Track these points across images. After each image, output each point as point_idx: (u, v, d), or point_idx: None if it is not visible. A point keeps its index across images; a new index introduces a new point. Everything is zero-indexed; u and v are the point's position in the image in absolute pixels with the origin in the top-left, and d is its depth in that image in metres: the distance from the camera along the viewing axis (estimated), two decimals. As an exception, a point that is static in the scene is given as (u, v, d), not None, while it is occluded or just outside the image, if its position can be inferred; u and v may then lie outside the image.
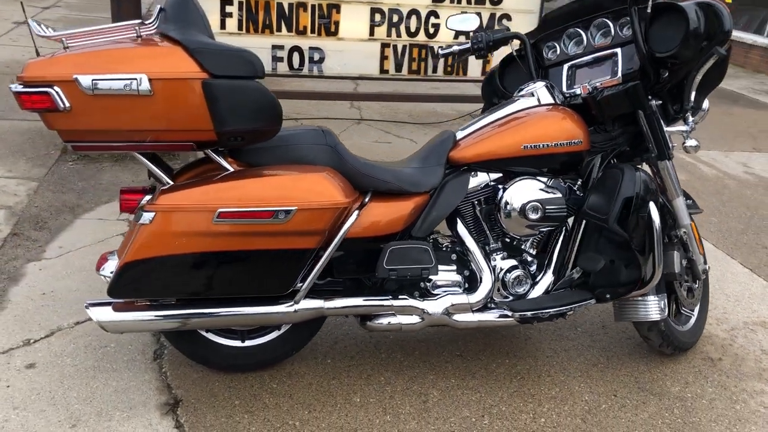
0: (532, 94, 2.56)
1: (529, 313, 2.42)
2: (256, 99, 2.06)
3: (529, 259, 2.55)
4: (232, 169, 2.21)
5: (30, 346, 2.57)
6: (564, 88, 2.63)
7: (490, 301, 2.46)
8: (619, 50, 2.54)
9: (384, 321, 2.38)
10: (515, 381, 2.59)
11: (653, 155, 2.54)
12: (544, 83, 2.58)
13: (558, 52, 2.71)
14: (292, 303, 2.24)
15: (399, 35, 4.92)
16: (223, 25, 4.65)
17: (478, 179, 2.48)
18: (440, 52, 2.83)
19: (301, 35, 4.78)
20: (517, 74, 2.83)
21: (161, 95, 1.98)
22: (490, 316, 2.45)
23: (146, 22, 2.15)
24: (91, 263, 3.12)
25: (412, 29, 4.92)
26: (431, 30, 4.94)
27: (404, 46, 4.96)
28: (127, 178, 4.22)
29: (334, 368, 2.57)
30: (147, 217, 2.03)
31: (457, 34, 4.85)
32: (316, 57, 4.86)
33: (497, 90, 2.85)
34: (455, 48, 2.79)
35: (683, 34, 2.33)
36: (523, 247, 2.55)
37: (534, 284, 2.51)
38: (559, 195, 2.45)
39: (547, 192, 2.44)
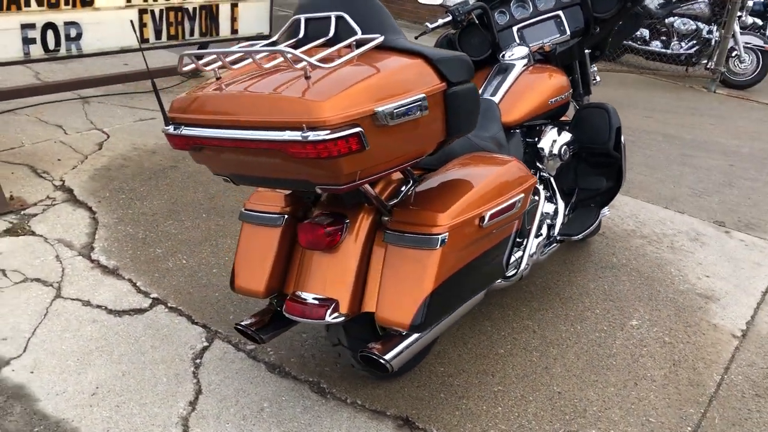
0: (523, 57, 3.02)
1: (580, 236, 3.02)
2: (476, 100, 2.11)
3: (546, 193, 3.11)
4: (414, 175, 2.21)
5: (187, 448, 2.10)
6: None
7: None
8: (561, 12, 3.17)
9: (516, 272, 2.66)
10: (554, 295, 3.18)
11: (581, 92, 3.31)
12: (527, 48, 3.06)
13: (507, 17, 3.18)
14: (513, 276, 2.40)
15: (155, -1, 4.44)
16: (-42, 5, 3.53)
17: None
18: (429, 26, 3.00)
19: (54, 9, 3.94)
20: (469, 39, 3.20)
21: (431, 113, 1.91)
22: (551, 246, 2.96)
23: (365, 36, 1.93)
24: (75, 336, 2.54)
25: (167, -9, 4.49)
26: (184, -9, 4.58)
27: (161, 11, 4.50)
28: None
29: (449, 336, 2.76)
30: (440, 239, 1.96)
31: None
32: (73, 33, 4.07)
33: None
34: (440, 22, 3.02)
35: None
36: (538, 186, 3.09)
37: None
38: (572, 136, 3.05)
39: (566, 135, 3.01)
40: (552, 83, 2.97)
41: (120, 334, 2.57)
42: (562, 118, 3.23)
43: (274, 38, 2.13)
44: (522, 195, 2.26)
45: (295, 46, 2.04)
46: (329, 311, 2.03)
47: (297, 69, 1.80)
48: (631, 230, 3.93)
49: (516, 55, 3.04)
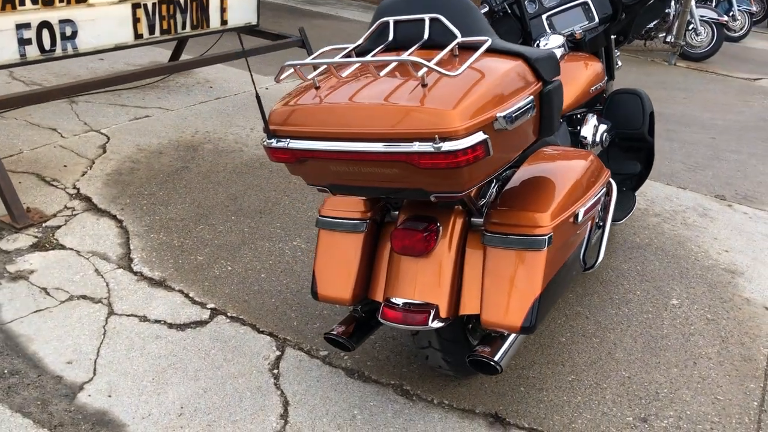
0: (560, 46, 3.04)
1: (623, 220, 3.08)
2: (562, 96, 2.11)
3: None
4: None
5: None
6: None
7: None
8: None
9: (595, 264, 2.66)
10: (593, 278, 3.25)
11: (606, 78, 3.36)
12: (562, 36, 3.07)
13: (536, 6, 3.19)
14: (591, 268, 2.42)
15: (147, -8, 4.25)
16: (-48, 8, 3.30)
17: None
18: None
19: (48, 6, 3.72)
20: (499, 29, 3.20)
21: (535, 114, 1.91)
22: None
23: (467, 39, 1.90)
24: (143, 355, 2.54)
25: (158, -17, 4.30)
26: (175, -18, 4.41)
27: (154, 4, 4.32)
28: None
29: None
30: (546, 239, 1.96)
31: None
32: (69, 32, 3.87)
33: None
34: None
35: None
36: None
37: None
38: (610, 122, 3.09)
39: (604, 122, 3.06)
40: (591, 71, 3.00)
41: (188, 349, 2.49)
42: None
43: (359, 42, 2.08)
44: (603, 188, 2.29)
45: (386, 51, 2.01)
46: (431, 317, 2.02)
47: (407, 76, 1.76)
48: (644, 209, 4.04)
49: (552, 44, 3.05)
